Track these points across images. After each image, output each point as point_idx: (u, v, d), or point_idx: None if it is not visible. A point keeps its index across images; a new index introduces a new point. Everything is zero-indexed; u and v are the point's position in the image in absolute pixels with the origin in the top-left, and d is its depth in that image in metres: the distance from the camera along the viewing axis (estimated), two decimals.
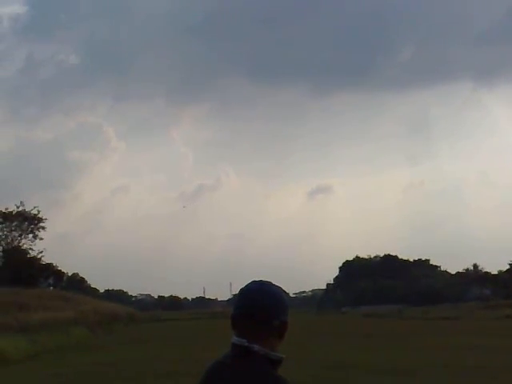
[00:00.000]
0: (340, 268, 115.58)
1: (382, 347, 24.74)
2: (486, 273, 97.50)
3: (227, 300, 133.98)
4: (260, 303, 2.15)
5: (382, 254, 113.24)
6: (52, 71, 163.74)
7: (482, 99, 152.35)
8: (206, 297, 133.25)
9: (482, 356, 19.94)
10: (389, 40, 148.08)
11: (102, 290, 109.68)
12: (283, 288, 2.28)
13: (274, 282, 2.26)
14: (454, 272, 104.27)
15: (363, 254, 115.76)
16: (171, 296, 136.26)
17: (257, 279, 2.27)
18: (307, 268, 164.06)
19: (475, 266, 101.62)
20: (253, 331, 2.14)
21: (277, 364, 2.16)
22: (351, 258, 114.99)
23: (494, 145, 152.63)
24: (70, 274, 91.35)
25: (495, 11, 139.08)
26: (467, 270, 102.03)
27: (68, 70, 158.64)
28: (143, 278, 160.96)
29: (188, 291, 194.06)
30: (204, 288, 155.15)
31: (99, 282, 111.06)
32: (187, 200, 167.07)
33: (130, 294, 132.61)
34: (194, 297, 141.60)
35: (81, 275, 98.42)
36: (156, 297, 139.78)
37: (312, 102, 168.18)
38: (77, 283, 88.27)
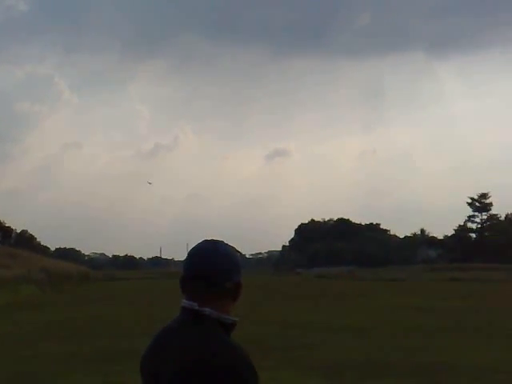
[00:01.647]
0: (295, 230, 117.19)
1: (335, 306, 25.31)
2: (433, 237, 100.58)
3: (184, 260, 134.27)
4: (212, 264, 1.99)
5: (335, 218, 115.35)
6: None
7: (434, 70, 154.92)
8: (163, 257, 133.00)
9: (431, 316, 20.63)
10: (346, 5, 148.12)
11: (53, 249, 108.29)
12: (239, 248, 2.12)
13: (229, 243, 2.07)
14: (402, 236, 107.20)
15: (318, 218, 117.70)
16: (126, 255, 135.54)
17: (208, 238, 2.08)
18: (263, 230, 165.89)
19: (422, 230, 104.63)
20: (204, 294, 1.98)
21: (230, 328, 2.01)
22: (306, 221, 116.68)
23: (443, 114, 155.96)
24: (18, 231, 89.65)
25: None
26: (415, 234, 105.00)
27: (16, 17, 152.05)
28: (97, 237, 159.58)
29: (144, 251, 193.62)
30: (160, 248, 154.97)
31: (50, 240, 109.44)
32: (143, 158, 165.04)
33: (82, 252, 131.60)
34: (150, 257, 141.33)
35: (30, 232, 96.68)
36: (110, 256, 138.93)
37: (272, 64, 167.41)
38: (26, 241, 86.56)
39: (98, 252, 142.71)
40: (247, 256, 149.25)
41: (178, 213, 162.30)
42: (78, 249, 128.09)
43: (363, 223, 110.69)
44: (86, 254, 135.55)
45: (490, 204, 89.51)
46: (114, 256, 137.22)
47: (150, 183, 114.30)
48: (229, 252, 2.04)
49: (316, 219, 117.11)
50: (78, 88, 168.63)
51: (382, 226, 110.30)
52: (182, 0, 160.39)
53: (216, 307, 1.97)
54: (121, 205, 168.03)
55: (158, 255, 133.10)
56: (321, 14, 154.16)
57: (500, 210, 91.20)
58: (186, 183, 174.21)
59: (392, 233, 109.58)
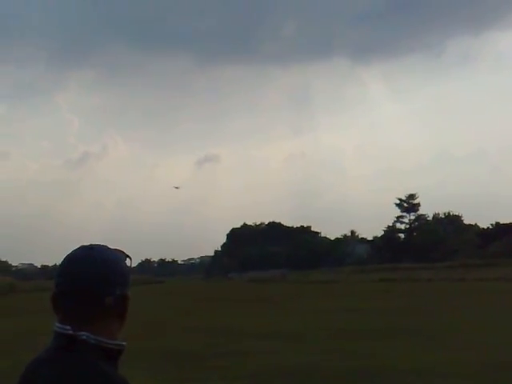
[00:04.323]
0: (227, 235, 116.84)
1: (267, 311, 25.07)
2: (362, 238, 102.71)
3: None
4: (83, 275, 1.58)
5: (267, 222, 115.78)
6: None
7: (359, 75, 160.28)
8: None
9: (363, 318, 20.70)
10: (273, 13, 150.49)
11: None
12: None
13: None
14: (333, 238, 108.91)
15: (250, 222, 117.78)
16: (55, 265, 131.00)
17: (87, 243, 1.66)
18: (195, 235, 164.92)
19: (353, 232, 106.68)
20: (79, 313, 1.58)
21: (116, 354, 1.61)
22: (238, 226, 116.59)
23: (369, 118, 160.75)
24: None
25: None
26: (345, 236, 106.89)
27: None
28: (25, 246, 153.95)
29: None
30: None
31: None
32: (72, 167, 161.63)
33: (10, 263, 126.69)
34: None
35: None
36: (39, 266, 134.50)
37: (200, 72, 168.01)
38: None
39: (27, 262, 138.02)
40: (179, 262, 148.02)
41: (109, 221, 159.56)
42: (4, 259, 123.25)
43: (294, 226, 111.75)
44: (14, 264, 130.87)
45: (418, 204, 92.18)
46: (42, 266, 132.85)
47: (177, 188, 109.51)
48: (108, 259, 1.62)
49: (248, 223, 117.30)
50: (5, 99, 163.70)
51: (313, 229, 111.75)
52: (106, 11, 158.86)
53: (96, 330, 1.58)
54: (50, 214, 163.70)
55: None
56: (247, 22, 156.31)
57: (427, 210, 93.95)
58: (117, 191, 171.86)
59: (323, 235, 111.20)
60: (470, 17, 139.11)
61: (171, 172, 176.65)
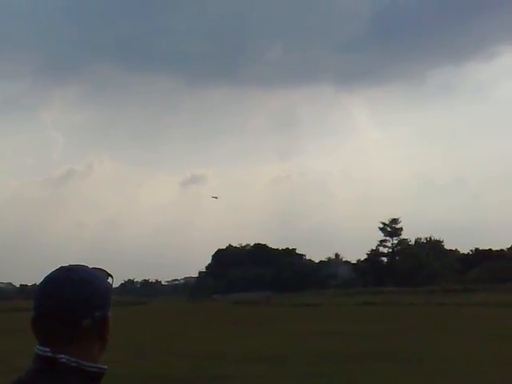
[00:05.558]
0: (212, 256, 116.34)
1: (251, 334, 24.96)
2: (347, 261, 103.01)
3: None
4: (60, 298, 1.56)
5: (252, 243, 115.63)
6: None
7: (343, 101, 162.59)
8: None
9: (346, 342, 20.72)
10: (258, 37, 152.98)
11: None
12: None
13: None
14: (317, 260, 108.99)
15: (235, 243, 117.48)
16: (35, 284, 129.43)
17: (67, 264, 1.65)
18: (180, 256, 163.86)
19: (337, 255, 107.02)
20: (58, 336, 1.57)
21: (96, 377, 1.60)
22: (224, 247, 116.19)
23: (353, 143, 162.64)
24: None
25: (356, 24, 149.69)
26: (329, 258, 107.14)
27: None
28: (4, 265, 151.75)
29: None
30: None
31: None
32: (54, 184, 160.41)
33: None
34: None
35: None
36: (18, 285, 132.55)
37: (187, 93, 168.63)
38: None
39: (5, 281, 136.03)
40: (163, 283, 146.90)
41: (91, 240, 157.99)
42: None
43: (280, 248, 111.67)
44: None
45: (401, 229, 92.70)
46: (21, 285, 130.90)
47: (215, 197, 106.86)
48: (87, 280, 1.60)
49: (233, 244, 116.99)
50: None
51: (297, 251, 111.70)
52: (93, 28, 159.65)
53: (76, 352, 1.57)
54: (30, 232, 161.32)
55: None
56: (235, 46, 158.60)
57: (410, 234, 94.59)
58: (100, 210, 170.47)
59: (308, 257, 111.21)
60: (452, 48, 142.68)
61: (156, 192, 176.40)
